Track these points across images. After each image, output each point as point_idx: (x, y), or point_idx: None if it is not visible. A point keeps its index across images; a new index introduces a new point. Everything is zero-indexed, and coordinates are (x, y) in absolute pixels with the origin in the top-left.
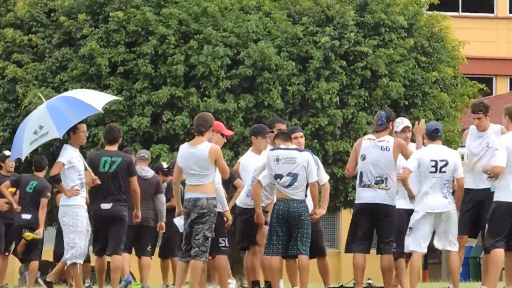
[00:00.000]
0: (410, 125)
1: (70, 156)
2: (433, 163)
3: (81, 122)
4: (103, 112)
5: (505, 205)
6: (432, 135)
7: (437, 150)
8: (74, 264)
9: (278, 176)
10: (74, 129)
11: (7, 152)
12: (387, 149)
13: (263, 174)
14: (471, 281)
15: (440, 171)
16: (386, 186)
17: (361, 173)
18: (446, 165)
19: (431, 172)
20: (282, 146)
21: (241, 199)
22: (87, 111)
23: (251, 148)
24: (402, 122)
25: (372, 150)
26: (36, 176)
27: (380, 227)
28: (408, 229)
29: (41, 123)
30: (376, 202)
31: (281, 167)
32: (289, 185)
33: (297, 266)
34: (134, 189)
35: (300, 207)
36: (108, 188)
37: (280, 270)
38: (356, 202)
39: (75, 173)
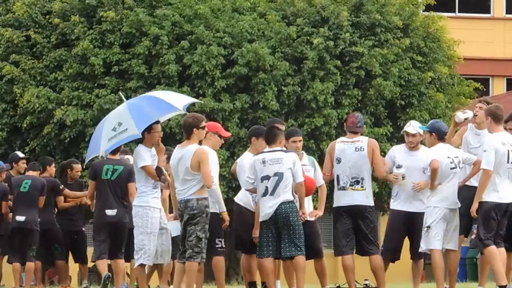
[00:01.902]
0: (415, 132)
1: (146, 157)
2: (451, 160)
3: (157, 123)
4: (184, 111)
5: (489, 205)
6: (444, 137)
7: (447, 148)
8: (142, 265)
9: (266, 178)
10: (149, 129)
11: (19, 153)
12: (362, 149)
13: None
14: (468, 281)
15: (458, 167)
16: (361, 187)
17: (338, 176)
18: (459, 161)
19: (451, 169)
20: (266, 149)
21: (240, 197)
22: (168, 110)
23: (248, 148)
24: (409, 125)
25: (347, 152)
26: (28, 176)
27: (360, 229)
28: (426, 228)
29: (120, 120)
30: (353, 204)
31: (267, 168)
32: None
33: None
34: (131, 194)
35: (288, 208)
36: (111, 194)
37: (273, 271)
38: (334, 205)
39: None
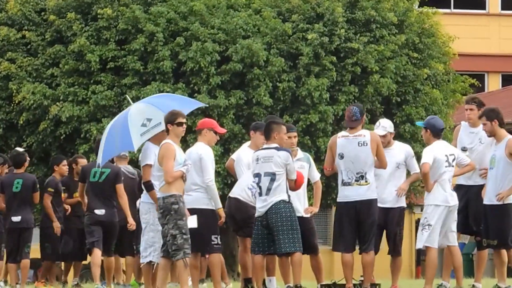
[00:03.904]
0: (385, 133)
1: (151, 155)
2: (446, 158)
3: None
4: (205, 106)
5: None
6: (439, 134)
7: (444, 146)
8: (149, 262)
9: (257, 175)
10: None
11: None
12: (365, 144)
13: None
14: (463, 277)
15: (451, 165)
16: (366, 181)
17: (341, 171)
18: (454, 159)
19: (446, 167)
20: (264, 146)
21: (239, 192)
22: (192, 105)
23: (247, 143)
24: (378, 125)
25: (349, 147)
26: (18, 174)
27: (363, 224)
28: (427, 226)
29: (148, 116)
30: (358, 199)
31: (259, 166)
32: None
33: (290, 262)
34: (120, 195)
35: (281, 207)
36: (99, 195)
37: (262, 268)
38: (338, 200)
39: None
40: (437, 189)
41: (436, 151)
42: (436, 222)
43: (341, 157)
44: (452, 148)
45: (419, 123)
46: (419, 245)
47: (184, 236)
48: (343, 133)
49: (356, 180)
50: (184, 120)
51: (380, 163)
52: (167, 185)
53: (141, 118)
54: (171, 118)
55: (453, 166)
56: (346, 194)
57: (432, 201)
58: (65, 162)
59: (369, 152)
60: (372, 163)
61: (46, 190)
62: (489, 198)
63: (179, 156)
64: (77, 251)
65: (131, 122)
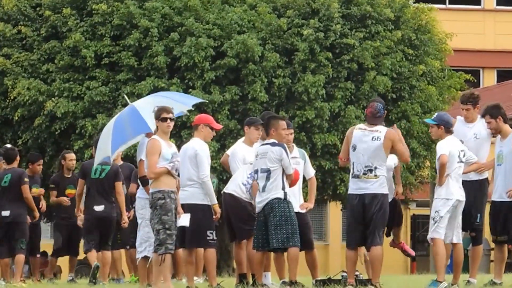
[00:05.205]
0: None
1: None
2: (458, 153)
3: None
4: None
5: None
6: (451, 130)
7: (457, 141)
8: (146, 257)
9: (255, 172)
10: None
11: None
12: (378, 139)
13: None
14: None
15: (462, 161)
16: (375, 175)
17: (353, 163)
18: (464, 155)
19: (458, 162)
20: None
21: (233, 188)
22: (192, 100)
23: (242, 138)
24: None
25: (363, 140)
26: (7, 169)
27: (369, 218)
28: (439, 218)
29: (157, 104)
30: (365, 192)
31: (257, 162)
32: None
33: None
34: (118, 192)
35: (275, 204)
36: (99, 192)
37: (261, 262)
38: (348, 192)
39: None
40: (448, 183)
41: (451, 145)
42: (445, 215)
43: (354, 148)
44: (462, 144)
45: (428, 120)
46: (431, 235)
47: (168, 232)
48: (361, 125)
49: (364, 173)
50: (169, 116)
51: (400, 159)
52: (156, 181)
53: (151, 106)
54: (156, 114)
55: (463, 162)
56: (354, 186)
57: (445, 195)
58: None
59: (380, 148)
60: (384, 159)
61: None
62: (499, 194)
63: (166, 152)
64: (70, 247)
65: (141, 110)
